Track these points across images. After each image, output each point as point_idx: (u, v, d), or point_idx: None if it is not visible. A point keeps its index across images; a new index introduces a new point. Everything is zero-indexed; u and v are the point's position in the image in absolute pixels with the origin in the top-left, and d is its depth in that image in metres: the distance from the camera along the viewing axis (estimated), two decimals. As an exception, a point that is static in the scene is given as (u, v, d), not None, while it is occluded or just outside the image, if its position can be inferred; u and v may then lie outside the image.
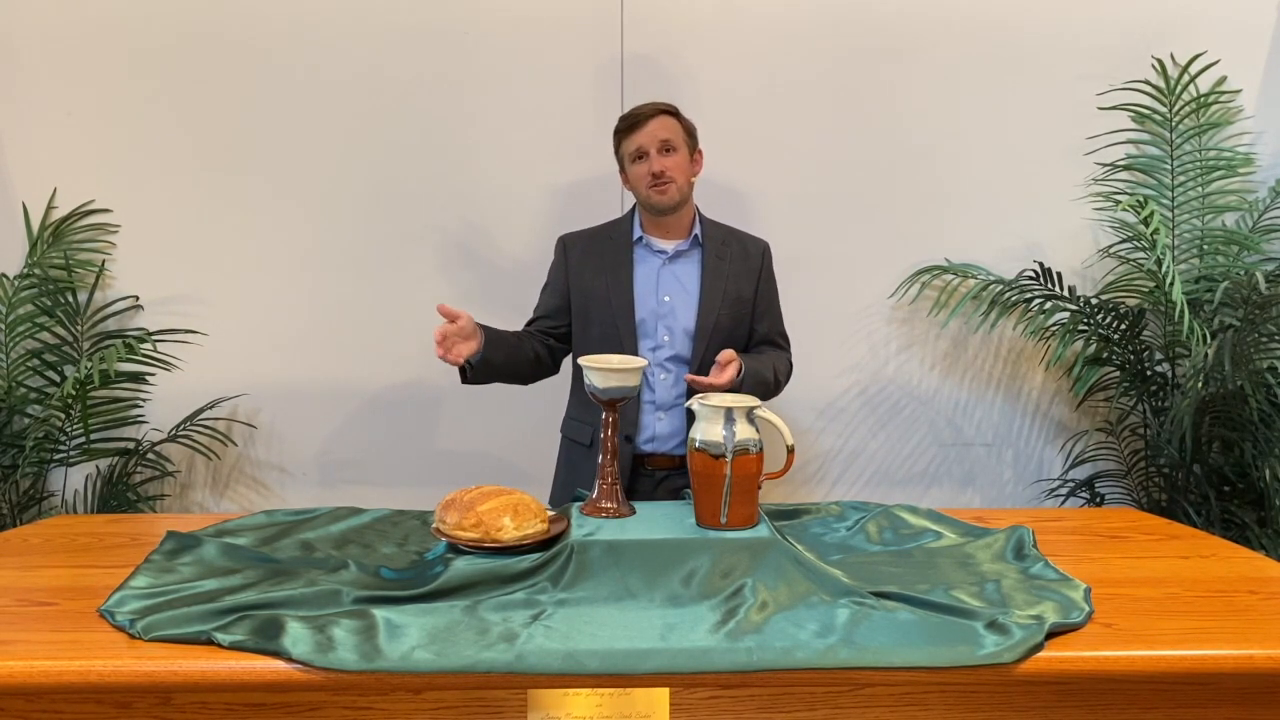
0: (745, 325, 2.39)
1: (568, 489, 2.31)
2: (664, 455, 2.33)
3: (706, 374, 2.17)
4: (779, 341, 2.46)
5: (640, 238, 2.37)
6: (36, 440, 2.83)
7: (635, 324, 2.32)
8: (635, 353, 2.30)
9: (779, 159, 3.01)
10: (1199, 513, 2.85)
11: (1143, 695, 1.50)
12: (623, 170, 2.39)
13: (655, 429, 2.33)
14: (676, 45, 2.95)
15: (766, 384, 2.30)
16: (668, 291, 2.34)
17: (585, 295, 2.36)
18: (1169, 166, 3.02)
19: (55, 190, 2.95)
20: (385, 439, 3.08)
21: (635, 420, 2.31)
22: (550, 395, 2.56)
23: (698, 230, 2.37)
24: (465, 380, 2.26)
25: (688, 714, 1.46)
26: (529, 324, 2.45)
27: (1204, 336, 2.60)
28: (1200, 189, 3.02)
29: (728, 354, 2.15)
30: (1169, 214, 3.01)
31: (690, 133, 2.37)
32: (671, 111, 2.34)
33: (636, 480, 2.33)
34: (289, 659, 1.41)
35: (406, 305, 3.02)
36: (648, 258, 2.37)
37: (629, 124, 2.33)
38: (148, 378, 2.98)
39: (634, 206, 2.42)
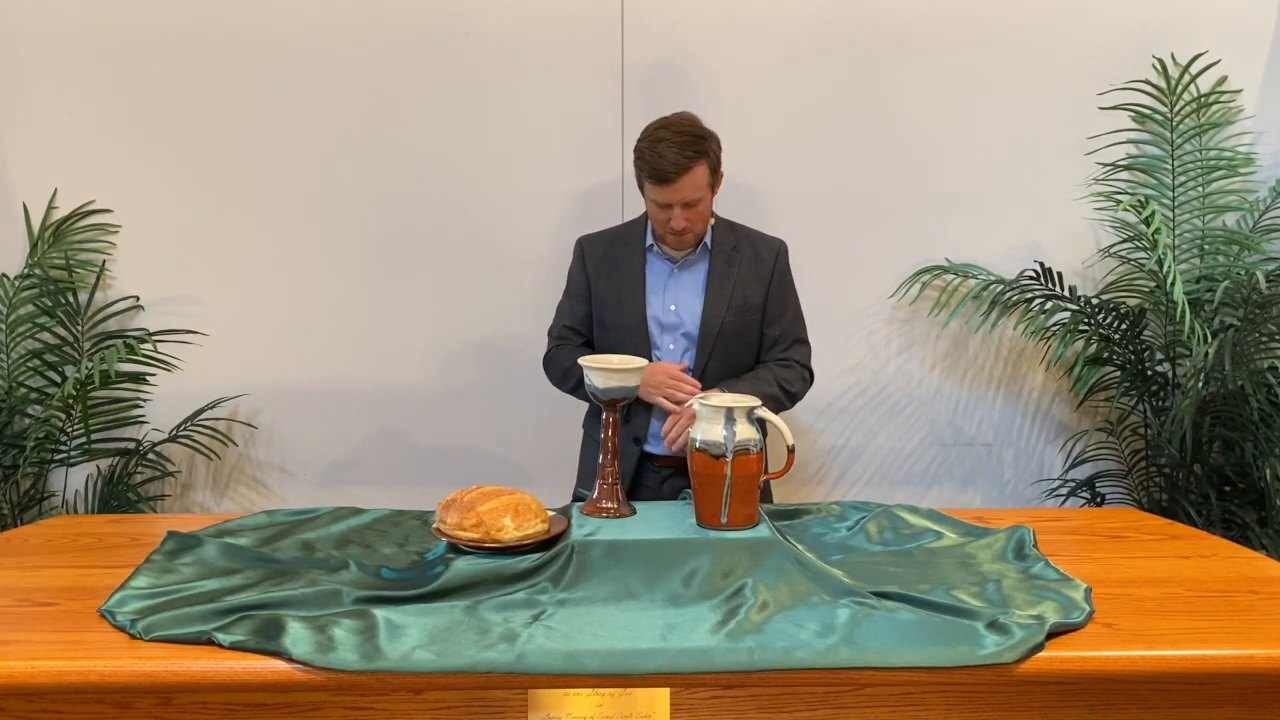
0: (754, 330, 2.37)
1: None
2: (669, 455, 2.33)
3: (710, 382, 2.27)
4: (794, 346, 2.41)
5: (651, 245, 2.37)
6: (37, 440, 2.83)
7: (649, 332, 2.33)
8: (647, 359, 2.29)
9: (779, 160, 3.00)
10: (1199, 513, 2.85)
11: (1143, 695, 1.50)
12: (641, 188, 2.30)
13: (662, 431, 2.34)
14: (677, 46, 2.95)
15: (775, 400, 2.29)
16: (674, 299, 2.34)
17: (601, 302, 2.37)
18: (1169, 166, 3.02)
19: (55, 190, 2.95)
20: (385, 439, 3.08)
21: (645, 422, 2.33)
22: (549, 395, 2.55)
23: (708, 238, 2.35)
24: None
25: (688, 714, 1.46)
26: (562, 333, 2.42)
27: (1204, 336, 2.60)
28: (1201, 189, 3.02)
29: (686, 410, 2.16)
30: (1169, 214, 3.01)
31: (715, 167, 2.24)
32: (701, 155, 2.18)
33: (643, 476, 2.36)
34: (289, 659, 1.41)
35: (406, 305, 3.01)
36: (657, 265, 2.36)
37: (657, 176, 2.17)
38: (148, 378, 2.98)
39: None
